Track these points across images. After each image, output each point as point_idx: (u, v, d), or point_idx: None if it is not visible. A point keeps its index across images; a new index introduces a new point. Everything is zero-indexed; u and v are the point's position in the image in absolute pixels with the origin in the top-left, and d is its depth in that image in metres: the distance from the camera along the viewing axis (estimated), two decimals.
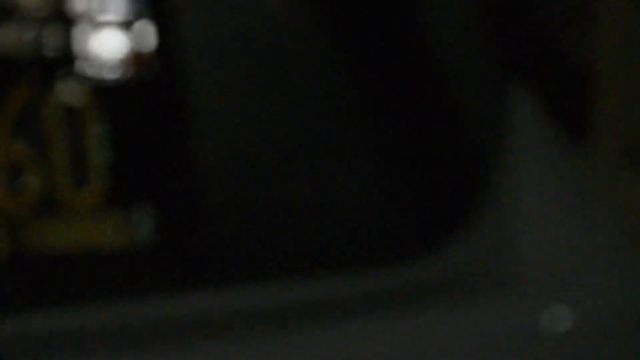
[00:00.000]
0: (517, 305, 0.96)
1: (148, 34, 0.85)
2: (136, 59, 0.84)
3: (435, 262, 0.98)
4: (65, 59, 0.82)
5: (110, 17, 0.84)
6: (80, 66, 0.82)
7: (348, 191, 0.96)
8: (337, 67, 0.94)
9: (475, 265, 0.99)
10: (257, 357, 0.84)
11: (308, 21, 0.94)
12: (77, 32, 0.82)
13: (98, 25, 0.83)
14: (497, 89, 1.00)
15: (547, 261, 0.99)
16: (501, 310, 0.96)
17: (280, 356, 0.86)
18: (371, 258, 0.99)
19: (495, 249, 0.99)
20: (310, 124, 0.95)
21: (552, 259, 1.00)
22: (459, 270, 0.99)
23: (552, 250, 1.01)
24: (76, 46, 0.82)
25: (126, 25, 0.84)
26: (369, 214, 0.98)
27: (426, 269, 0.98)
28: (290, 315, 0.91)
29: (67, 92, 0.81)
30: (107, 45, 0.84)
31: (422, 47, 0.95)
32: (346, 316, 0.93)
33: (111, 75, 0.84)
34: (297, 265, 0.93)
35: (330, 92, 0.95)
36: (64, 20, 0.82)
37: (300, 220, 0.93)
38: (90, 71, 0.83)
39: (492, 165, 0.97)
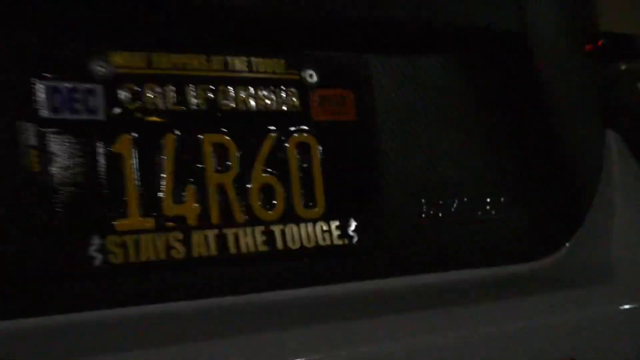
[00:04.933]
0: (609, 293, 1.25)
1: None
2: (346, 111, 1.15)
3: (556, 259, 1.29)
4: (295, 114, 1.12)
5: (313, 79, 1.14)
6: (309, 116, 1.13)
7: (498, 207, 1.26)
8: (485, 117, 1.25)
9: (582, 262, 1.29)
10: (435, 324, 1.14)
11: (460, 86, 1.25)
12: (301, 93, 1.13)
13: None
14: (600, 131, 1.31)
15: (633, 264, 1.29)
16: (598, 296, 1.24)
17: (450, 326, 1.16)
18: (513, 254, 1.28)
19: (595, 253, 1.30)
20: (466, 158, 1.25)
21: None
22: (572, 265, 1.29)
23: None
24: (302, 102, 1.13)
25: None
26: (513, 222, 1.28)
27: (550, 263, 1.29)
28: (451, 297, 1.21)
29: (300, 135, 1.12)
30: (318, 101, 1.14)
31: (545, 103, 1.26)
32: (493, 298, 1.22)
33: (327, 121, 1.14)
34: (461, 258, 1.22)
35: (479, 134, 1.25)
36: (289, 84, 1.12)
37: (467, 225, 1.23)
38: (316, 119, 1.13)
39: (595, 188, 1.28)
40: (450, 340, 1.17)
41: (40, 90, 0.95)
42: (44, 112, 0.95)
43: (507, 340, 1.21)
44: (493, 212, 1.26)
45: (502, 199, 1.27)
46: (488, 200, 1.26)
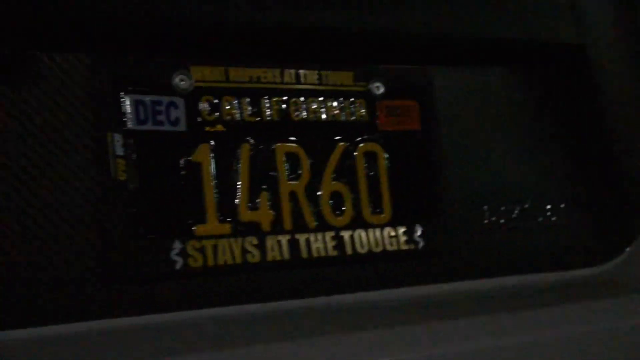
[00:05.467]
0: None
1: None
2: (411, 121, 1.20)
3: (616, 264, 1.32)
4: (363, 124, 1.17)
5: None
6: (376, 126, 1.18)
7: (559, 213, 1.30)
8: (545, 126, 1.29)
9: (632, 271, 1.32)
10: (499, 328, 1.17)
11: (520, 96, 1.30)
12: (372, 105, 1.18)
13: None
14: None
15: None
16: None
17: (514, 330, 1.19)
18: (574, 259, 1.31)
19: None
20: (527, 165, 1.29)
21: None
22: (632, 270, 1.32)
23: None
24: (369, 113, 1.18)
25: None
26: (574, 227, 1.31)
27: (610, 268, 1.32)
28: (514, 301, 1.24)
29: (367, 144, 1.17)
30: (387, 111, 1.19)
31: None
32: (555, 303, 1.25)
33: (393, 130, 1.19)
34: (523, 263, 1.26)
35: (540, 143, 1.29)
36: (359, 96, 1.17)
37: (528, 231, 1.27)
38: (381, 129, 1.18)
39: None
40: (514, 344, 1.21)
41: (127, 104, 1.01)
42: (131, 124, 1.01)
43: (567, 345, 1.24)
44: (554, 218, 1.30)
45: (562, 205, 1.31)
46: (549, 206, 1.30)
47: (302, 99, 1.13)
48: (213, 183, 1.05)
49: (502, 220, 1.26)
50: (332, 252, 1.12)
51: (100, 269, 0.98)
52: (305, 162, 1.11)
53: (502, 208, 1.26)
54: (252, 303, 1.07)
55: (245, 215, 1.07)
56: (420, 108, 1.21)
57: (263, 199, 1.08)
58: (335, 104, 1.15)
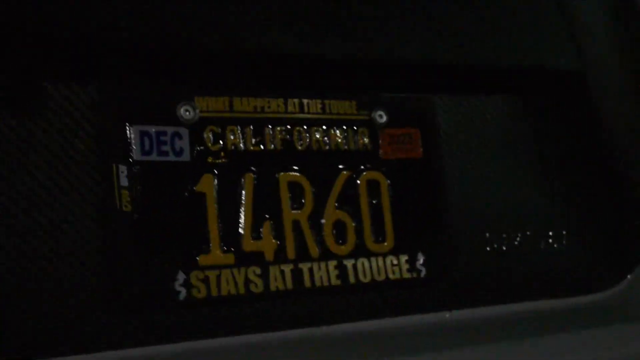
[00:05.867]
0: None
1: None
2: (413, 149, 1.20)
3: (618, 291, 1.32)
4: (365, 153, 1.17)
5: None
6: (378, 154, 1.18)
7: (561, 240, 1.30)
8: (546, 153, 1.30)
9: (634, 298, 1.33)
10: (502, 357, 1.18)
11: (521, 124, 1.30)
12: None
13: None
14: None
15: None
16: None
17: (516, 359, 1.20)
18: (576, 286, 1.32)
19: None
20: (529, 193, 1.29)
21: None
22: (633, 298, 1.32)
23: None
24: (372, 141, 1.18)
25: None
26: (576, 254, 1.31)
27: (612, 295, 1.32)
28: (517, 329, 1.24)
29: (370, 173, 1.17)
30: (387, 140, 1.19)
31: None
32: (557, 330, 1.26)
33: (395, 158, 1.19)
34: (525, 290, 1.26)
35: (541, 170, 1.30)
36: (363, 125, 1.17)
37: (531, 257, 1.27)
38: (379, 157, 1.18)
39: None
40: None
41: (133, 135, 1.01)
42: (135, 155, 1.00)
43: None
44: (556, 245, 1.30)
45: (564, 232, 1.31)
46: (551, 232, 1.30)
47: (305, 128, 1.13)
48: (217, 213, 1.05)
49: (504, 247, 1.26)
50: (335, 281, 1.12)
51: (103, 300, 0.97)
52: (309, 191, 1.11)
53: (504, 235, 1.26)
54: (256, 333, 1.07)
55: (249, 245, 1.07)
56: (423, 136, 1.21)
57: (266, 229, 1.08)
58: (338, 132, 1.15)
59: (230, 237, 1.06)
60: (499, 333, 1.24)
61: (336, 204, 1.14)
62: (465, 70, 1.25)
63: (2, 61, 0.96)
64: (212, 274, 1.04)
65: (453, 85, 1.26)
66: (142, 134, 1.01)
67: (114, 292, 0.98)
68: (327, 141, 1.14)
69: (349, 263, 1.13)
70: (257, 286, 1.07)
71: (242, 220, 1.07)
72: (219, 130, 1.07)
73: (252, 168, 1.08)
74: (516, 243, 1.28)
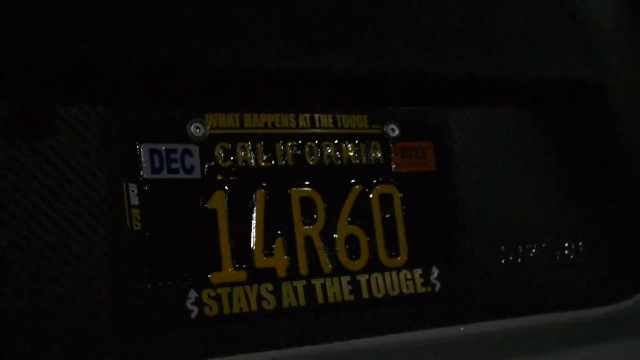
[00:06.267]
0: None
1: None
2: (426, 162, 1.19)
3: (634, 302, 1.31)
4: (378, 166, 1.16)
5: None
6: (391, 168, 1.17)
7: (576, 252, 1.29)
8: (561, 164, 1.28)
9: None
10: None
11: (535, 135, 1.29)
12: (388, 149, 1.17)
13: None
14: None
15: None
16: None
17: None
18: (591, 298, 1.30)
19: None
20: (543, 205, 1.28)
21: None
22: None
23: None
24: (384, 155, 1.17)
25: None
26: (591, 266, 1.30)
27: (627, 307, 1.30)
28: (532, 342, 1.23)
29: (382, 187, 1.16)
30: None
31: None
32: (573, 342, 1.25)
33: (408, 172, 1.18)
34: (540, 302, 1.25)
35: (556, 182, 1.28)
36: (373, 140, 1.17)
37: (545, 270, 1.25)
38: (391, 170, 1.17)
39: None
40: None
41: (142, 153, 1.00)
42: (146, 173, 1.00)
43: None
44: (571, 257, 1.29)
45: (580, 243, 1.29)
46: (565, 245, 1.29)
47: (316, 142, 1.12)
48: (228, 230, 1.04)
49: (519, 260, 1.25)
50: (348, 297, 1.11)
51: (114, 320, 0.97)
52: (321, 206, 1.11)
53: (519, 248, 1.25)
54: (269, 350, 1.06)
55: (261, 261, 1.06)
56: (436, 149, 1.20)
57: (278, 245, 1.07)
58: (350, 146, 1.14)
59: (242, 254, 1.05)
60: (515, 347, 1.22)
61: (349, 219, 1.13)
62: (478, 82, 1.24)
63: (12, 83, 0.96)
64: (224, 292, 1.03)
65: (466, 97, 1.25)
66: (152, 152, 1.01)
67: (125, 311, 0.97)
68: (339, 155, 1.13)
69: (362, 278, 1.12)
70: (270, 303, 1.06)
71: (253, 236, 1.06)
72: (230, 146, 1.06)
73: (264, 184, 1.07)
74: (531, 255, 1.26)
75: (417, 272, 1.16)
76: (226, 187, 1.05)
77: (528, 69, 1.26)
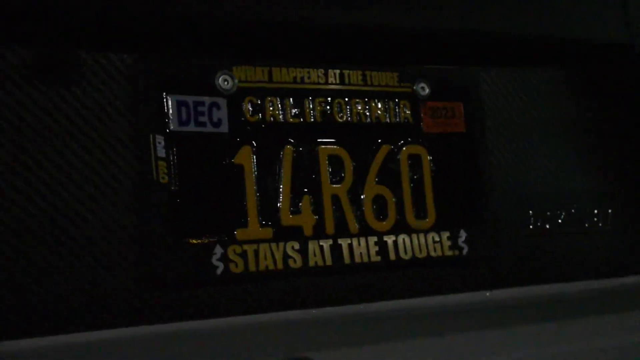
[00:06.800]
0: None
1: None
2: (456, 123, 1.17)
3: None
4: (407, 126, 1.14)
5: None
6: (420, 128, 1.14)
7: (606, 219, 1.26)
8: (593, 128, 1.25)
9: None
10: (544, 337, 1.14)
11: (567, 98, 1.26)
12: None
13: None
14: None
15: None
16: None
17: (558, 340, 1.17)
18: (621, 266, 1.28)
19: None
20: (574, 170, 1.25)
21: None
22: None
23: None
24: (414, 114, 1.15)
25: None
26: (620, 234, 1.28)
27: None
28: (558, 309, 1.21)
29: (411, 147, 1.14)
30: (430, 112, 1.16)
31: None
32: (599, 310, 1.23)
33: (437, 132, 1.16)
34: (568, 270, 1.23)
35: (588, 146, 1.26)
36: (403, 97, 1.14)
37: (574, 237, 1.23)
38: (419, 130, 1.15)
39: None
40: (558, 353, 1.18)
41: (170, 105, 0.98)
42: (173, 125, 0.98)
43: (612, 354, 1.21)
44: (600, 224, 1.26)
45: (610, 211, 1.27)
46: (595, 212, 1.26)
47: (345, 99, 1.10)
48: (255, 186, 1.02)
49: (547, 226, 1.22)
50: (375, 258, 1.09)
51: (140, 275, 0.95)
52: (349, 165, 1.09)
53: (548, 213, 1.23)
54: (293, 309, 1.04)
55: (287, 219, 1.04)
56: (466, 110, 1.17)
57: (305, 203, 1.05)
58: (379, 105, 1.12)
59: (268, 211, 1.03)
60: (541, 313, 1.20)
61: (376, 179, 1.11)
62: (511, 41, 1.21)
63: (39, 30, 0.94)
64: (249, 249, 1.01)
65: (498, 57, 1.22)
66: (180, 104, 0.99)
67: (151, 266, 0.96)
68: (368, 114, 1.11)
69: (389, 239, 1.10)
70: (296, 262, 1.04)
71: (280, 193, 1.04)
72: (258, 101, 1.04)
73: (291, 140, 1.05)
74: (560, 222, 1.24)
75: (445, 234, 1.14)
76: (254, 143, 1.03)
77: (562, 30, 1.23)
